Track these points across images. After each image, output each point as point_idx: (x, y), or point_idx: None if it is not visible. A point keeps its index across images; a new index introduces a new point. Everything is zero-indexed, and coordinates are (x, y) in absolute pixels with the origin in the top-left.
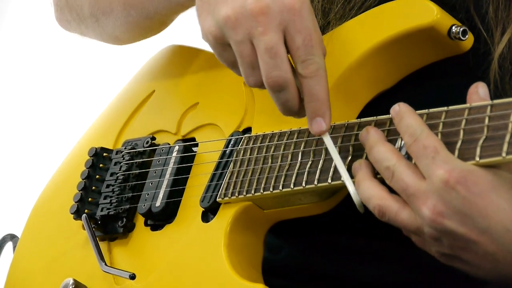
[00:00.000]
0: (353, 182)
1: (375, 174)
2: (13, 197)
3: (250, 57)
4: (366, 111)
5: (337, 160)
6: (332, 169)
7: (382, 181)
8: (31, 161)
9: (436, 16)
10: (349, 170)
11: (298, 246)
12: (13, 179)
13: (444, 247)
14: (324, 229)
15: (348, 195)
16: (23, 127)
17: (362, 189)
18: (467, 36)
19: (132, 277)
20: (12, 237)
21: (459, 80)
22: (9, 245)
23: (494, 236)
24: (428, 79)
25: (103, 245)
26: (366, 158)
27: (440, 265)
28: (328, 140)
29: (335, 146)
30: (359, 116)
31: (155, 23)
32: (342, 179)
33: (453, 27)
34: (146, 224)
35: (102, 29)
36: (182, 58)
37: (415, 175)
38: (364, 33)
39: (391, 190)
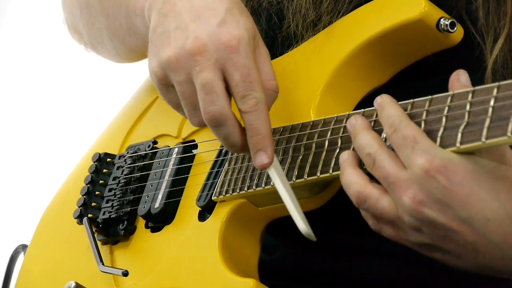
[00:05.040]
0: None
1: (361, 164)
2: (27, 206)
3: (191, 97)
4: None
5: (283, 193)
6: (321, 163)
7: (366, 171)
8: (44, 169)
9: (424, 8)
10: (337, 162)
11: (294, 244)
12: (27, 187)
13: (424, 236)
14: (319, 227)
15: (340, 190)
16: (25, 130)
17: (344, 176)
18: (455, 28)
19: (125, 274)
20: (24, 247)
21: None
22: (22, 256)
23: (474, 225)
24: (422, 78)
25: (105, 248)
26: (353, 150)
27: (437, 262)
28: (272, 174)
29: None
30: None
31: (141, 54)
32: (290, 213)
33: (442, 20)
34: (146, 226)
35: (102, 55)
36: None
37: (396, 163)
38: (354, 30)
39: (373, 178)
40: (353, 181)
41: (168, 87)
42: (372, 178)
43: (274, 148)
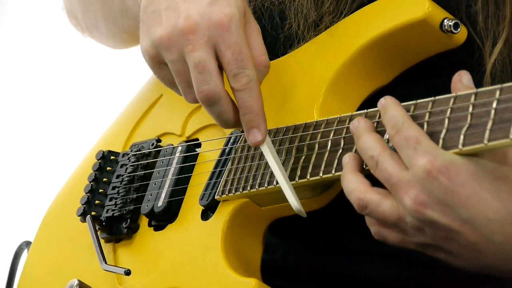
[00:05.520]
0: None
1: (363, 166)
2: (30, 203)
3: (185, 75)
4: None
5: (275, 169)
6: (324, 163)
7: (369, 173)
8: (48, 166)
9: (428, 9)
10: (339, 163)
11: (295, 244)
12: (30, 185)
13: (427, 237)
14: (321, 227)
15: (343, 191)
16: (29, 128)
17: (345, 183)
18: (459, 29)
19: (127, 272)
20: (28, 244)
21: None
22: (26, 253)
23: (476, 226)
24: (425, 78)
25: (108, 246)
26: (356, 151)
27: (439, 262)
28: (265, 150)
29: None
30: None
31: (135, 35)
32: (282, 189)
33: (445, 20)
34: (149, 225)
35: (97, 39)
36: None
37: (399, 165)
38: (357, 30)
39: (376, 181)
40: (353, 187)
41: (161, 65)
42: (374, 179)
43: (267, 124)
